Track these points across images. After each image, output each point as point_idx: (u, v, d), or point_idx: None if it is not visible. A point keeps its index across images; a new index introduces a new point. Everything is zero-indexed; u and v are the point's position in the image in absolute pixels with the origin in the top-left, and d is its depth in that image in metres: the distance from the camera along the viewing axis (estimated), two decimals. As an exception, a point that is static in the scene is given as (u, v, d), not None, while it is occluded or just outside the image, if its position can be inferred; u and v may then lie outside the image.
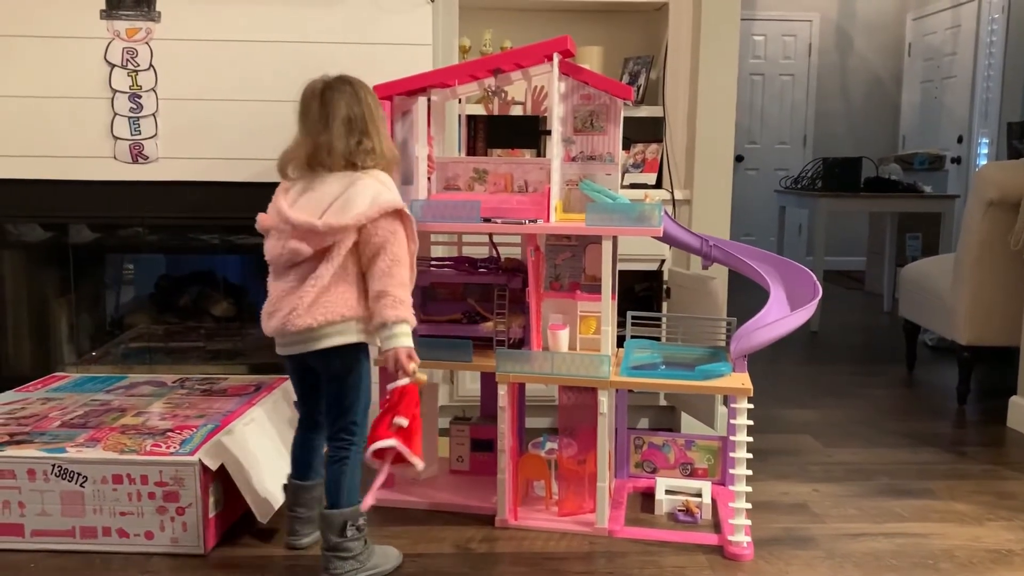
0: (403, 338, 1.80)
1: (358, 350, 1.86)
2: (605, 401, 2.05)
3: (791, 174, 5.64)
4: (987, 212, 3.16)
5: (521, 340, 2.23)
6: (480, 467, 2.38)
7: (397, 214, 1.82)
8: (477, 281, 2.27)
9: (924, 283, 3.60)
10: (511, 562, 1.95)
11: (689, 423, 2.74)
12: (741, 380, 2.03)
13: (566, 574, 1.89)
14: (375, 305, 1.80)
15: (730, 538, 1.99)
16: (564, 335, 2.16)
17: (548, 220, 2.10)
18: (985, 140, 5.82)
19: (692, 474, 2.38)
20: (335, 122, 1.84)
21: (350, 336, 1.83)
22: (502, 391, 2.07)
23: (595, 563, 1.94)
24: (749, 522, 2.00)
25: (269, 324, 1.86)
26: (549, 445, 2.22)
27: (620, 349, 2.30)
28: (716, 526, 2.14)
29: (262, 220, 1.89)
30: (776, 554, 2.00)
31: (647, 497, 2.29)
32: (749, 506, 1.99)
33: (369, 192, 1.81)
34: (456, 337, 2.19)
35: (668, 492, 2.25)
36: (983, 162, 5.72)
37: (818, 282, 2.19)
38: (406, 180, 2.21)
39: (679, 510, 2.19)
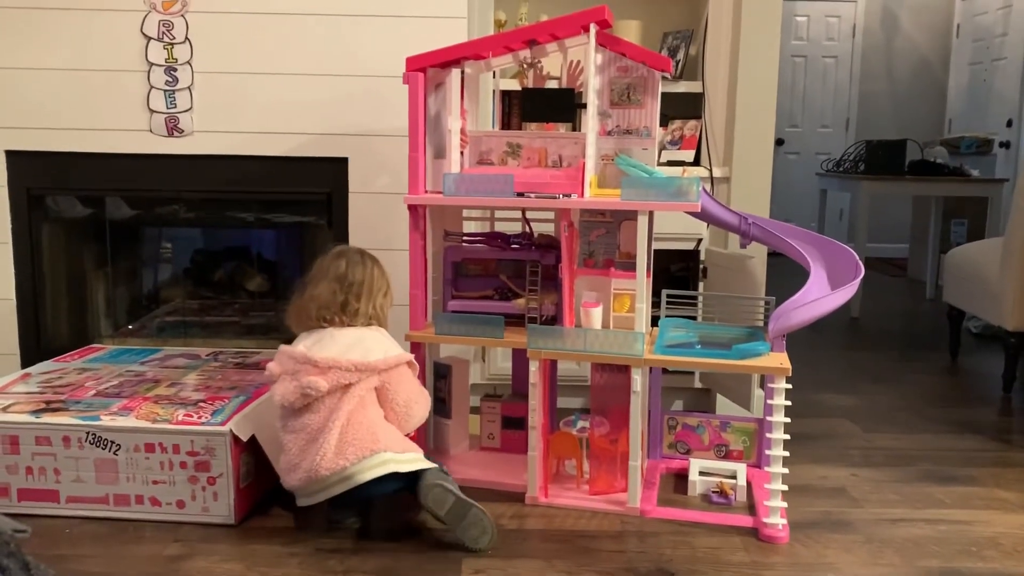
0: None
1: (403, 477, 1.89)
2: (639, 379, 2.01)
3: (833, 158, 5.52)
4: (1038, 194, 3.05)
5: (553, 317, 2.20)
6: (511, 444, 2.36)
7: (408, 364, 1.99)
8: (510, 257, 2.24)
9: (970, 268, 3.49)
10: (541, 539, 1.92)
11: (724, 405, 2.69)
12: (780, 360, 1.98)
13: (597, 552, 1.86)
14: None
15: (765, 520, 1.95)
16: (597, 313, 2.12)
17: (582, 195, 2.06)
18: (1036, 123, 5.64)
19: (727, 456, 2.33)
20: (332, 281, 1.99)
21: (390, 466, 1.86)
22: (533, 367, 2.04)
23: (626, 542, 1.91)
24: (785, 504, 1.95)
25: (293, 477, 1.89)
26: (581, 423, 2.19)
27: (654, 328, 2.25)
28: (751, 508, 2.10)
29: (273, 369, 1.96)
30: (813, 537, 1.95)
31: (680, 478, 2.25)
32: (785, 488, 1.94)
33: (382, 344, 1.97)
34: (488, 313, 2.17)
35: (702, 473, 2.21)
36: (1033, 146, 5.54)
37: (860, 261, 2.13)
38: (438, 154, 2.19)
39: (713, 491, 2.15)
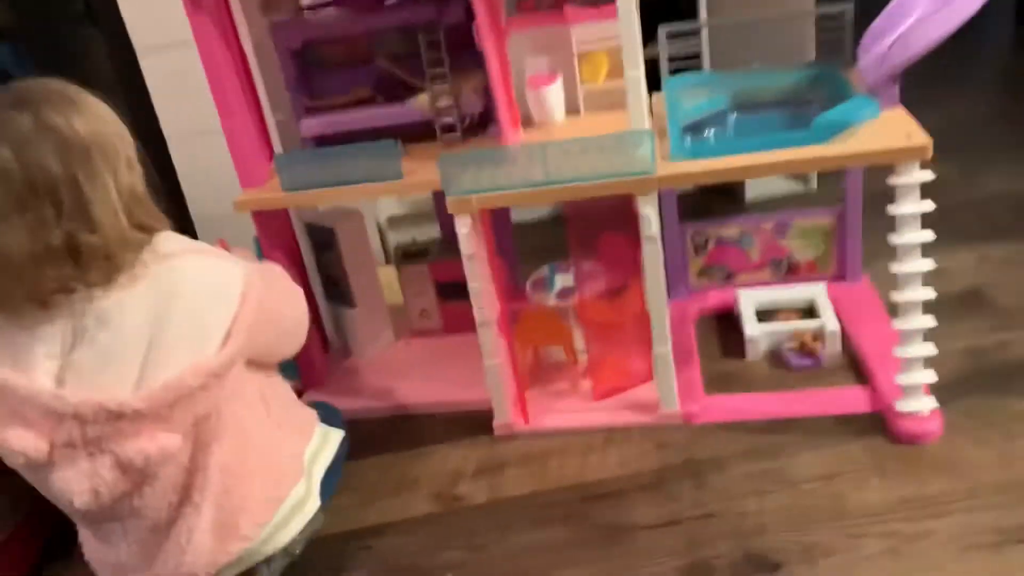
0: None
1: None
2: (651, 213, 1.12)
3: None
4: None
5: (483, 115, 1.27)
6: (457, 322, 1.51)
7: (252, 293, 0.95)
8: (388, 24, 1.27)
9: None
10: (531, 522, 1.12)
11: (759, 188, 1.83)
12: (905, 128, 1.07)
13: (632, 533, 1.07)
14: None
15: (896, 403, 1.15)
16: (555, 93, 1.22)
17: None
18: None
19: (790, 272, 1.50)
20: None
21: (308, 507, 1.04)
22: (463, 229, 1.14)
23: (677, 497, 1.11)
24: (929, 377, 1.13)
25: None
26: (560, 282, 1.35)
27: (656, 97, 1.31)
28: (857, 370, 1.28)
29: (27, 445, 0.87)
30: (987, 427, 1.15)
31: (726, 325, 1.44)
32: (929, 352, 1.12)
33: (201, 293, 0.93)
34: (369, 133, 1.24)
35: (761, 318, 1.39)
36: None
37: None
38: None
39: (790, 349, 1.33)
